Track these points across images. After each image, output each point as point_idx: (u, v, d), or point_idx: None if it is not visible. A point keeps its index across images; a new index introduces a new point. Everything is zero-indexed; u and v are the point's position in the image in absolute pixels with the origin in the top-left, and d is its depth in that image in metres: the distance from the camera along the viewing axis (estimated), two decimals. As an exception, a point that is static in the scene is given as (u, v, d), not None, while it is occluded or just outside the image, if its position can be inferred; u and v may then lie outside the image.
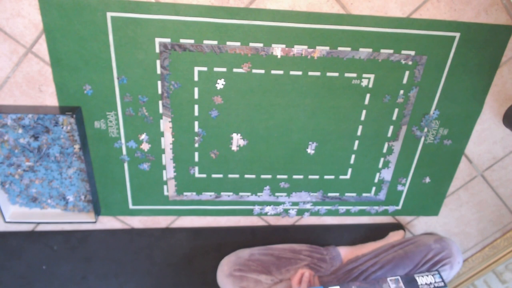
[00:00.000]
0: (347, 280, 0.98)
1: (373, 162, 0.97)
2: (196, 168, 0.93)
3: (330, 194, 1.01)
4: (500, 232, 1.19)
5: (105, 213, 0.97)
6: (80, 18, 0.72)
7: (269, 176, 0.97)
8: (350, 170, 0.98)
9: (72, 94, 0.80)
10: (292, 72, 0.82)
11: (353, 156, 0.96)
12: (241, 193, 0.99)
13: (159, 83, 0.81)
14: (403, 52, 0.82)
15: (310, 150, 0.93)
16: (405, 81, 0.86)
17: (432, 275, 0.89)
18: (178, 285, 1.14)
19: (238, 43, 0.78)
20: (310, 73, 0.83)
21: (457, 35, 0.81)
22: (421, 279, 0.88)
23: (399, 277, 0.89)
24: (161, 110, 0.84)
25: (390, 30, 0.79)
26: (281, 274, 0.97)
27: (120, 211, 0.98)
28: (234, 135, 0.89)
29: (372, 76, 0.85)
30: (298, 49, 0.80)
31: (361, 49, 0.81)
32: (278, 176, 0.97)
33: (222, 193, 0.98)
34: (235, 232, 1.05)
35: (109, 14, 0.73)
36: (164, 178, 0.94)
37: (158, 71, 0.79)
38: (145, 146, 0.88)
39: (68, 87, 0.80)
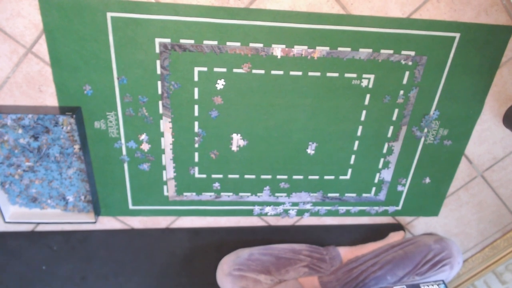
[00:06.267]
0: (346, 280, 0.98)
1: (373, 163, 0.97)
2: (196, 168, 0.93)
3: (330, 195, 1.01)
4: (500, 233, 1.19)
5: (105, 214, 0.97)
6: (80, 18, 0.72)
7: (269, 177, 0.97)
8: (350, 171, 0.98)
9: (72, 94, 0.80)
10: (292, 72, 0.82)
11: (353, 157, 0.96)
12: (241, 193, 0.99)
13: (159, 83, 0.81)
14: (403, 52, 0.82)
15: (310, 151, 0.93)
16: (405, 81, 0.86)
17: (437, 285, 0.89)
18: (178, 285, 1.14)
19: (238, 44, 0.78)
20: (310, 73, 0.83)
21: (457, 35, 0.81)
22: None
23: (404, 286, 0.89)
24: (161, 110, 0.84)
25: (390, 31, 0.79)
26: (281, 274, 0.97)
27: (120, 211, 0.98)
28: (234, 136, 0.89)
29: (372, 77, 0.85)
30: (298, 49, 0.80)
31: (361, 50, 0.81)
32: (278, 177, 0.97)
33: (222, 193, 0.98)
34: (235, 232, 1.05)
35: (109, 14, 0.73)
36: (164, 178, 0.94)
37: (158, 71, 0.79)
38: (145, 146, 0.88)
39: (68, 87, 0.80)
